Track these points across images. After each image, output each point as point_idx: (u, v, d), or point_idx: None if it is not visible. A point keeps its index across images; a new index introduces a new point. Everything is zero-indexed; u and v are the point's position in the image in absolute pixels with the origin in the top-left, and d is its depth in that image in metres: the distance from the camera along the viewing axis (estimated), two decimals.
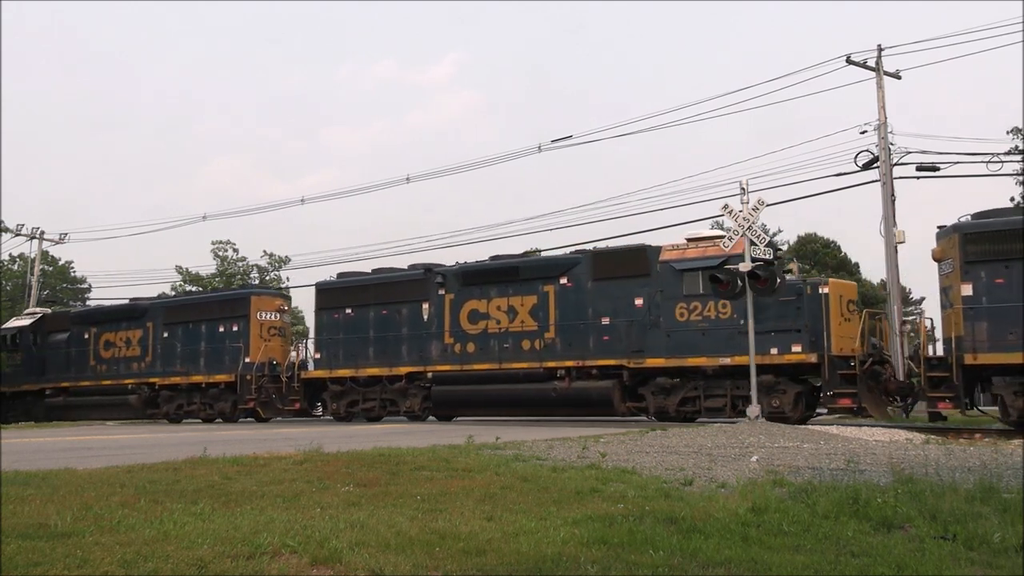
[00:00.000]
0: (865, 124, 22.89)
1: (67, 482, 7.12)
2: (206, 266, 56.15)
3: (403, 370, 22.01)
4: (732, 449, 10.63)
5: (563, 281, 19.98)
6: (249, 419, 26.10)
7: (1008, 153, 24.79)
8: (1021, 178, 32.85)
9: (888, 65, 23.18)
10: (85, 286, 67.60)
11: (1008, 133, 34.41)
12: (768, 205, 16.84)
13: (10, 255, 60.44)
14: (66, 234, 39.69)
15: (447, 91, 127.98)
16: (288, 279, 52.76)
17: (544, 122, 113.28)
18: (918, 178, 23.16)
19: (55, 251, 57.20)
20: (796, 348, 17.05)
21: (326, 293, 24.15)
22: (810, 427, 14.24)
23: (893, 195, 22.50)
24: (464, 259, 23.74)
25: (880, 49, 23.11)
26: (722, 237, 17.36)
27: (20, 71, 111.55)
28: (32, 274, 41.28)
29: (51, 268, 64.23)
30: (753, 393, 15.46)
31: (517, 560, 4.47)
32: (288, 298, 27.23)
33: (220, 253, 55.31)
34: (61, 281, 67.67)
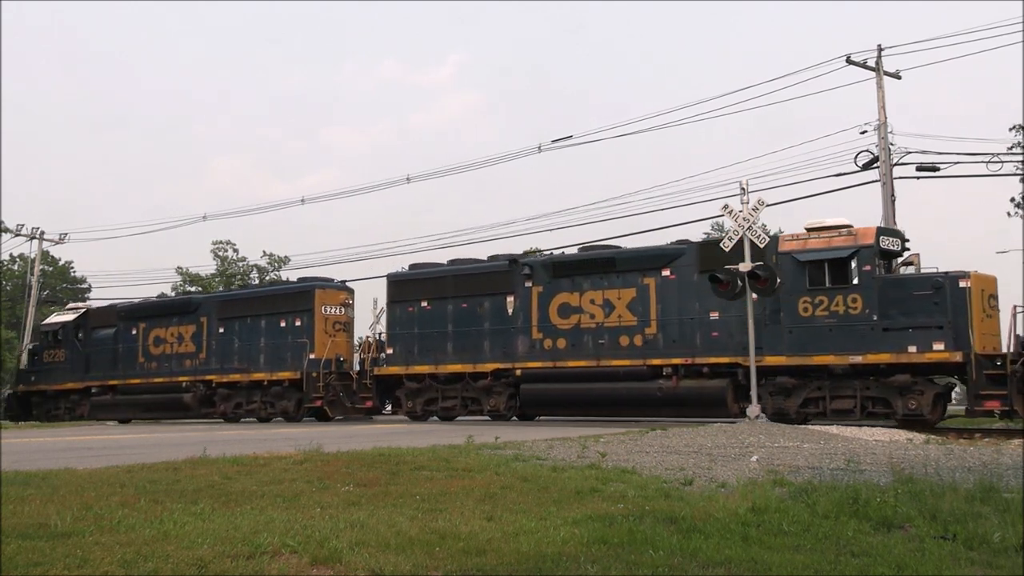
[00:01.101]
0: (865, 124, 22.91)
1: (67, 482, 7.11)
2: (206, 266, 56.23)
3: (489, 367, 20.75)
4: (732, 449, 10.63)
5: (665, 273, 18.79)
6: (311, 418, 24.97)
7: (1010, 150, 24.71)
8: (1021, 176, 32.80)
9: (888, 65, 23.19)
10: (85, 286, 67.66)
11: (1010, 131, 34.37)
12: (768, 205, 16.83)
13: (10, 255, 60.45)
14: (66, 234, 39.69)
15: (449, 92, 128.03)
16: (288, 279, 52.85)
17: (545, 122, 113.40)
18: (918, 178, 23.17)
19: (55, 251, 57.23)
20: (938, 346, 15.68)
21: (399, 285, 22.82)
22: (810, 427, 14.23)
23: (893, 195, 22.50)
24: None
25: (880, 49, 23.12)
26: (848, 226, 16.68)
27: (20, 71, 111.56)
28: (32, 274, 41.25)
29: (51, 268, 64.25)
30: (753, 393, 15.46)
31: (517, 560, 4.47)
32: (352, 292, 26.04)
33: (220, 253, 55.36)
34: (61, 281, 67.68)
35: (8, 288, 58.70)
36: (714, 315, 18.10)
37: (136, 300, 31.37)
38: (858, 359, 16.18)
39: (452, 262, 22.89)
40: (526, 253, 23.42)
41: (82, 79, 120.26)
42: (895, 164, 22.64)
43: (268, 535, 4.85)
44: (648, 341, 18.81)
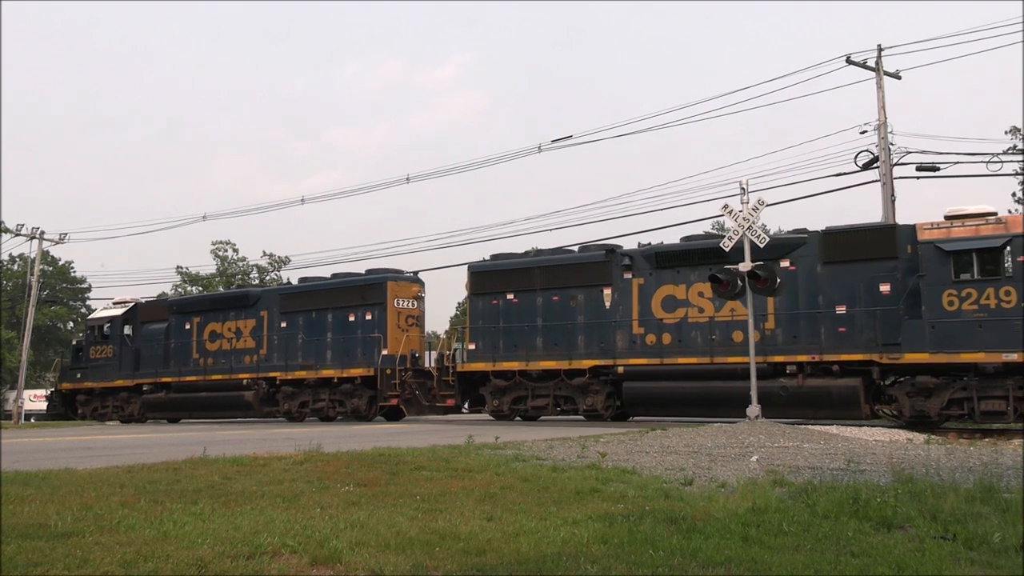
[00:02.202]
0: (865, 124, 22.89)
1: (67, 482, 7.12)
2: (206, 266, 56.29)
3: (586, 363, 19.50)
4: (732, 449, 10.63)
5: (785, 264, 17.54)
6: (379, 418, 23.76)
7: (1006, 152, 24.74)
8: (1021, 176, 32.85)
9: (888, 65, 23.17)
10: (85, 286, 67.74)
11: (1007, 133, 34.44)
12: (768, 205, 16.80)
13: (10, 255, 60.57)
14: (66, 234, 39.64)
15: (451, 93, 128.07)
16: (288, 279, 52.92)
17: (547, 122, 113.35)
18: (918, 178, 23.17)
19: (55, 251, 57.32)
20: None
21: (481, 277, 21.53)
22: (810, 427, 14.22)
23: (893, 195, 22.48)
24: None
25: (880, 49, 23.11)
26: (992, 213, 15.96)
27: (20, 71, 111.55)
28: (32, 274, 41.26)
29: (51, 268, 64.31)
30: (753, 393, 15.45)
31: (517, 560, 4.46)
32: (423, 284, 24.82)
33: (220, 253, 55.41)
34: (61, 281, 67.74)
35: (8, 288, 58.77)
36: (841, 309, 17.01)
37: (189, 294, 30.24)
38: (1013, 356, 15.01)
39: (537, 252, 21.81)
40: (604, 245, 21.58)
41: (83, 79, 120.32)
42: (895, 164, 22.63)
43: (268, 535, 4.85)
44: (765, 337, 17.59)
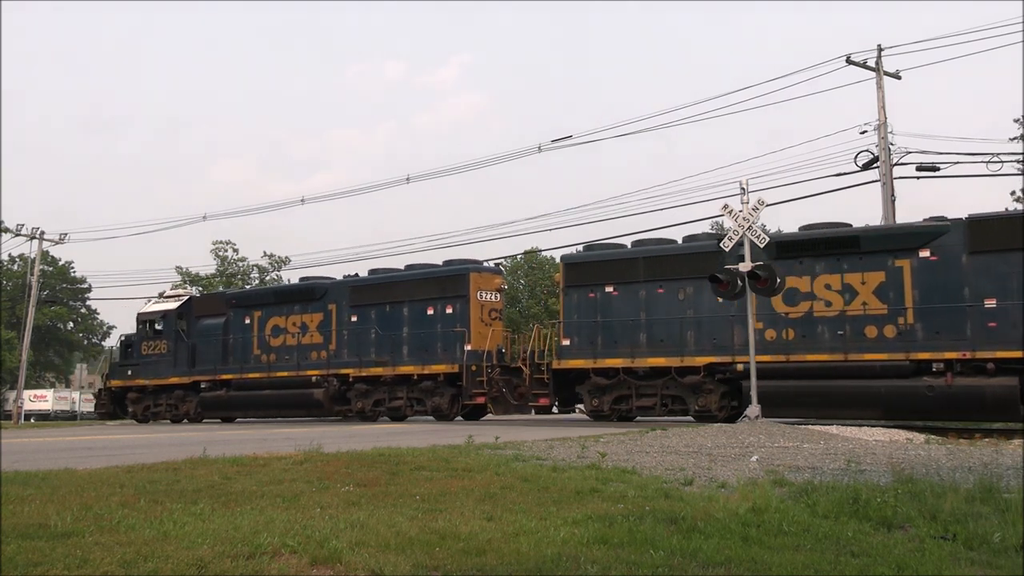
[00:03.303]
0: (865, 124, 22.93)
1: (67, 482, 7.11)
2: (207, 266, 56.29)
3: (701, 360, 18.13)
4: (732, 449, 10.63)
5: (924, 255, 16.36)
6: (458, 418, 22.40)
7: (1012, 140, 24.69)
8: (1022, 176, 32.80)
9: (888, 65, 23.21)
10: (85, 286, 67.73)
11: (1015, 121, 34.15)
12: (768, 205, 16.81)
13: (10, 255, 60.56)
14: (66, 234, 39.70)
15: (453, 93, 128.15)
16: (288, 280, 52.92)
17: (548, 122, 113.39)
18: (918, 178, 23.20)
19: (55, 251, 57.29)
20: None
21: (576, 269, 20.21)
22: (810, 427, 14.22)
23: (893, 195, 22.50)
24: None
25: (880, 49, 23.13)
26: None
27: (20, 71, 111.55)
28: (32, 274, 41.27)
29: (51, 268, 64.29)
30: (753, 393, 15.46)
31: (517, 560, 4.46)
32: (504, 275, 23.34)
33: (220, 253, 55.40)
34: (61, 281, 67.72)
35: (8, 288, 58.76)
36: (990, 303, 15.72)
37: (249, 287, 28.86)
38: None
39: (637, 243, 20.35)
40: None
41: (82, 79, 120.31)
42: (895, 164, 22.65)
43: (268, 535, 4.85)
44: (902, 332, 16.37)
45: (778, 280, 15.90)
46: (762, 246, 15.49)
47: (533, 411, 21.87)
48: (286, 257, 52.99)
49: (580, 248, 21.49)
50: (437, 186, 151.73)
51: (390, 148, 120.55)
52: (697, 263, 18.12)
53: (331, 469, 8.01)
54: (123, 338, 30.50)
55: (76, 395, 53.30)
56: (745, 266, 15.33)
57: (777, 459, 9.43)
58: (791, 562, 4.56)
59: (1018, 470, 8.15)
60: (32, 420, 44.02)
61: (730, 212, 15.68)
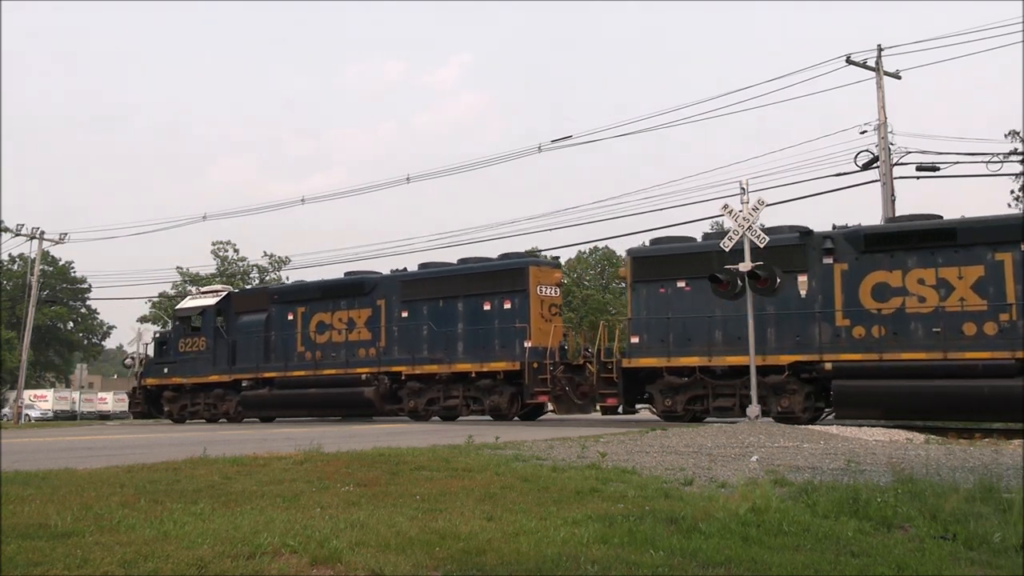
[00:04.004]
0: (865, 124, 22.92)
1: (67, 482, 7.11)
2: (207, 266, 56.33)
3: (785, 359, 17.15)
4: (732, 449, 10.63)
5: None
6: (515, 418, 21.42)
7: (1007, 156, 24.72)
8: (1021, 179, 32.88)
9: (888, 65, 23.20)
10: (85, 286, 67.78)
11: (1006, 136, 34.40)
12: (768, 205, 16.80)
13: (10, 255, 60.59)
14: (66, 234, 39.72)
15: (453, 92, 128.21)
16: (288, 279, 52.98)
17: (549, 122, 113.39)
18: (918, 178, 23.21)
19: (55, 251, 57.32)
20: None
21: (646, 263, 19.24)
22: (810, 427, 14.23)
23: (893, 195, 22.50)
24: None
25: (880, 49, 23.13)
26: None
27: (20, 71, 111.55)
28: (32, 274, 41.29)
29: (51, 268, 64.32)
30: (753, 393, 15.47)
31: (517, 560, 4.46)
32: (562, 269, 22.51)
33: (220, 253, 55.44)
34: (61, 281, 67.77)
35: (8, 288, 58.79)
36: None
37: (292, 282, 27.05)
38: None
39: (707, 236, 19.49)
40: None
41: (82, 79, 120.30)
42: (895, 164, 22.65)
43: (268, 535, 4.85)
44: (1004, 329, 15.48)
45: (777, 280, 15.90)
46: (762, 246, 15.47)
47: (597, 411, 20.89)
48: (286, 257, 53.08)
49: (646, 241, 20.49)
50: (437, 186, 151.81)
51: (390, 148, 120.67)
52: (778, 257, 16.98)
53: (331, 469, 8.01)
54: (157, 335, 29.84)
55: (76, 395, 53.35)
56: (745, 266, 15.34)
57: (777, 459, 9.43)
58: (791, 562, 4.56)
59: (1018, 470, 8.16)
60: (32, 420, 44.06)
61: (730, 212, 15.69)
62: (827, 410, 17.79)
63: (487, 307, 21.45)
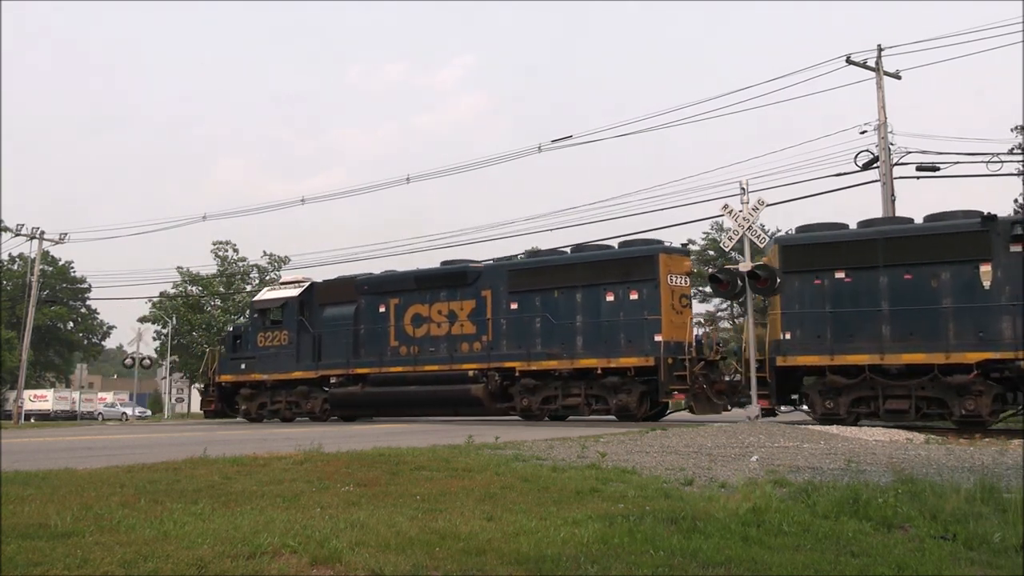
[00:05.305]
0: (865, 124, 22.89)
1: (67, 482, 7.12)
2: (206, 266, 56.32)
3: (973, 356, 15.41)
4: (732, 449, 10.63)
5: None
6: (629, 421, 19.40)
7: (1011, 152, 24.68)
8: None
9: (888, 65, 23.18)
10: (85, 286, 67.81)
11: (1012, 131, 34.29)
12: (768, 205, 16.80)
13: (10, 255, 60.62)
14: (66, 234, 39.69)
15: (454, 93, 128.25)
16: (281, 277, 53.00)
17: (550, 123, 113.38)
18: (918, 178, 23.17)
19: (55, 251, 57.33)
20: None
21: (798, 252, 17.49)
22: (810, 427, 14.22)
23: (893, 195, 22.49)
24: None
25: (880, 49, 23.11)
26: None
27: (20, 71, 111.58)
28: (32, 274, 41.29)
29: (51, 268, 64.35)
30: (753, 393, 15.47)
31: (517, 560, 4.46)
32: (692, 257, 20.61)
33: (220, 253, 55.42)
34: (61, 281, 67.80)
35: (8, 288, 58.80)
36: None
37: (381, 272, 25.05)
38: None
39: (865, 223, 17.57)
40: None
41: (83, 79, 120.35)
42: (895, 164, 22.63)
43: (268, 535, 4.85)
44: None
45: (777, 280, 15.90)
46: (762, 246, 15.48)
47: (728, 410, 19.53)
48: (286, 257, 53.06)
49: (793, 230, 18.97)
50: (437, 186, 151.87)
51: (391, 148, 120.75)
52: (954, 244, 15.78)
53: (331, 469, 8.01)
54: (232, 328, 28.19)
55: (76, 395, 53.42)
56: (745, 266, 15.35)
57: (777, 459, 9.43)
58: (791, 562, 4.56)
59: (1018, 470, 8.16)
60: (32, 420, 44.07)
61: (730, 212, 15.70)
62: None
63: (610, 298, 19.88)
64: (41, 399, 53.75)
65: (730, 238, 15.84)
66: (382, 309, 23.42)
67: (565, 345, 20.23)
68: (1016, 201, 34.60)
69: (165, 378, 62.85)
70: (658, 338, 18.89)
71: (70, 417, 48.76)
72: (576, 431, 14.54)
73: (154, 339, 53.86)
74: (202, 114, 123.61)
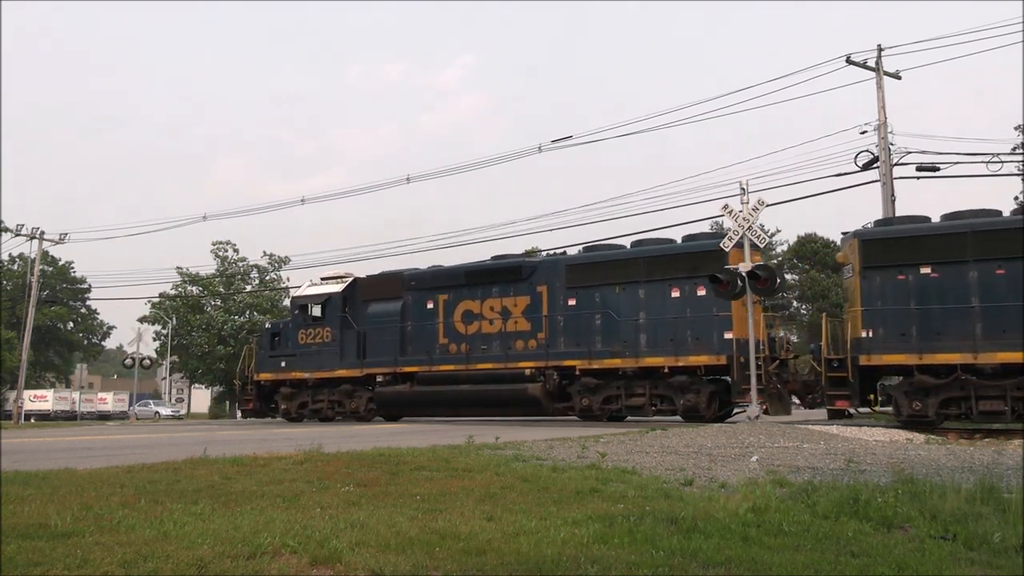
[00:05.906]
0: (865, 124, 22.90)
1: (67, 482, 7.11)
2: (206, 266, 56.32)
3: None
4: (732, 449, 10.63)
5: None
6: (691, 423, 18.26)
7: (1013, 150, 24.67)
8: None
9: (888, 65, 23.19)
10: (85, 286, 67.81)
11: (1015, 129, 34.25)
12: (768, 205, 16.82)
13: (10, 255, 60.63)
14: (66, 234, 39.69)
15: (455, 94, 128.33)
16: (288, 279, 52.97)
17: (550, 123, 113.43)
18: (918, 178, 23.17)
19: (55, 251, 57.35)
20: None
21: (879, 246, 16.79)
22: (810, 427, 14.23)
23: (893, 195, 22.49)
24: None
25: (880, 49, 23.12)
26: None
27: (20, 71, 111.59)
28: (32, 274, 41.30)
29: (51, 268, 64.36)
30: (753, 392, 15.47)
31: (517, 560, 4.46)
32: (763, 252, 20.14)
33: (220, 253, 55.41)
34: (61, 281, 67.80)
35: (8, 288, 58.80)
36: None
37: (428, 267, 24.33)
38: None
39: (948, 216, 16.89)
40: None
41: (83, 79, 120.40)
42: (895, 164, 22.63)
43: (268, 535, 4.84)
44: None
45: (777, 280, 15.89)
46: (762, 246, 15.48)
47: (799, 409, 18.97)
48: (286, 257, 53.07)
49: (869, 223, 18.23)
50: (437, 186, 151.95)
51: (391, 148, 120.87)
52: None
53: (331, 469, 8.01)
54: (270, 325, 27.63)
55: (76, 395, 53.45)
56: (745, 266, 15.35)
57: (777, 459, 9.43)
58: (791, 562, 4.56)
59: (1018, 470, 8.16)
60: (32, 420, 44.08)
61: (730, 212, 15.70)
62: None
63: (676, 294, 19.12)
64: (41, 399, 53.78)
65: (730, 238, 15.84)
66: (430, 305, 22.64)
67: (628, 343, 19.50)
68: (1016, 200, 34.62)
69: (165, 378, 62.92)
70: (729, 335, 18.16)
71: (70, 417, 48.79)
72: (576, 431, 14.54)
73: (154, 339, 53.98)
74: (202, 114, 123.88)
